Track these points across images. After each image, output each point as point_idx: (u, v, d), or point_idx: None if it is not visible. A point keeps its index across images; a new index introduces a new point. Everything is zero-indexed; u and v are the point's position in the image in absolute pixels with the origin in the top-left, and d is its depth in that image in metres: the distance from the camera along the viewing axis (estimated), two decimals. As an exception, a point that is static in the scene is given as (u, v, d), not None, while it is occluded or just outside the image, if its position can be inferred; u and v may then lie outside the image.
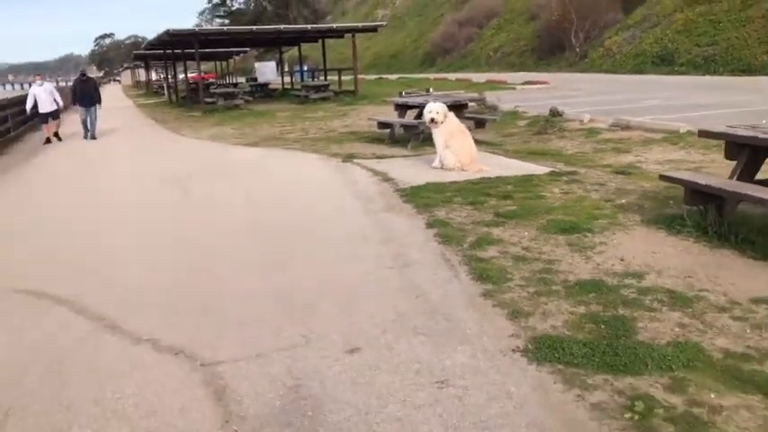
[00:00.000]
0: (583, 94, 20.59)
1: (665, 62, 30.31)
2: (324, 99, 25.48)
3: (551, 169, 8.08)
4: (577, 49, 37.43)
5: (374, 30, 26.57)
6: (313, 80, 33.35)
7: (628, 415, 2.66)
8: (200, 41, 23.94)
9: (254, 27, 27.41)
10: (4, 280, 5.10)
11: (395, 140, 11.92)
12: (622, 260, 4.62)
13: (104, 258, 5.59)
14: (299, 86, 30.80)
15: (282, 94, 31.78)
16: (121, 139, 16.78)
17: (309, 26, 29.09)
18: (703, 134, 5.39)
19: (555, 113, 13.38)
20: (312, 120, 18.27)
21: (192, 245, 5.84)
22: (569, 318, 3.67)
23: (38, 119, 17.68)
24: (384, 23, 31.65)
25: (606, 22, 37.83)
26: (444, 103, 9.64)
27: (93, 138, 16.75)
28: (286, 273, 4.84)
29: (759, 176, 5.19)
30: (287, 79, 38.50)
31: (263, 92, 33.51)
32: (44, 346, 3.80)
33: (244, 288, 4.57)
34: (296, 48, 36.20)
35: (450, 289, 4.25)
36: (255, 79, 37.90)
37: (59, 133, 17.10)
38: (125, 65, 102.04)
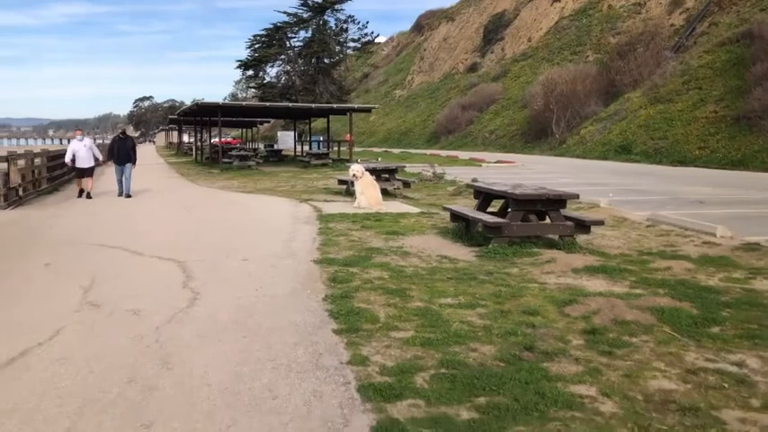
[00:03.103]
0: (529, 172, 25.11)
1: (624, 151, 34.83)
2: (323, 165, 30.37)
3: (423, 211, 12.49)
4: (557, 136, 42.27)
5: (368, 111, 31.62)
6: (319, 148, 38.39)
7: (332, 273, 6.99)
8: (224, 112, 29.08)
9: (268, 103, 32.75)
10: (88, 241, 9.61)
11: (348, 192, 16.39)
12: (403, 243, 8.96)
13: (138, 234, 10.09)
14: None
15: (292, 160, 36.84)
16: (151, 183, 21.52)
17: (313, 105, 34.24)
18: (470, 186, 9.80)
19: (475, 181, 17.84)
20: (304, 179, 22.95)
21: (187, 229, 10.35)
22: (347, 254, 8.04)
23: (75, 172, 18.08)
24: (377, 106, 37.07)
25: (587, 114, 42.76)
26: (377, 168, 14.18)
27: (128, 196, 16.71)
28: (231, 240, 9.31)
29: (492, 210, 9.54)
30: (301, 147, 43.85)
31: (276, 157, 38.65)
32: (102, 261, 8.25)
33: (208, 245, 9.01)
34: (321, 119, 41.64)
35: (305, 247, 8.67)
36: (272, 146, 43.17)
37: (91, 193, 16.99)
38: (161, 127, 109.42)
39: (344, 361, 4.33)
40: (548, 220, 8.70)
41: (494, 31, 69.02)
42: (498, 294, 6.08)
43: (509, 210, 8.90)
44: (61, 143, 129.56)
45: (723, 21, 42.10)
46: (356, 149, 39.03)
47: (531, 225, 8.49)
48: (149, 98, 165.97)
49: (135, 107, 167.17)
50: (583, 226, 8.42)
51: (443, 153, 41.56)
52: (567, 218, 8.54)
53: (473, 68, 68.57)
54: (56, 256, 8.59)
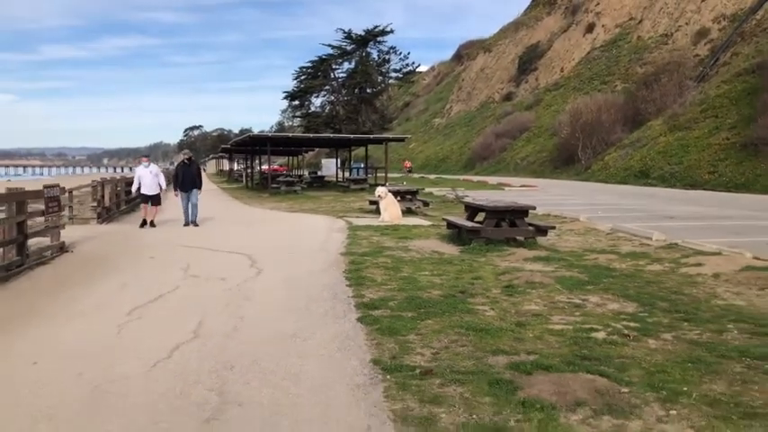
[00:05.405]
0: (545, 195, 27.84)
1: (643, 176, 37.17)
2: (361, 189, 33.66)
3: (434, 224, 15.49)
4: (583, 162, 44.74)
5: (402, 140, 34.81)
6: (358, 174, 41.81)
7: (352, 260, 10.06)
8: (272, 142, 32.70)
9: (311, 134, 36.30)
10: (175, 244, 12.93)
11: (377, 211, 19.49)
12: (408, 244, 11.96)
13: (211, 239, 13.38)
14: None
15: (334, 185, 40.29)
16: (211, 206, 25.01)
17: (352, 136, 37.65)
18: (462, 203, 12.76)
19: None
20: (343, 201, 26.21)
21: (247, 236, 13.62)
22: (365, 250, 11.11)
23: (140, 198, 17.69)
24: (410, 136, 40.13)
25: (613, 141, 45.13)
26: (400, 190, 17.31)
27: (196, 225, 16.45)
28: (281, 243, 12.50)
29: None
30: (343, 174, 47.39)
31: (320, 182, 42.19)
32: (190, 255, 11.51)
33: (264, 245, 12.21)
34: (362, 147, 45.23)
35: (335, 246, 11.77)
36: (316, 172, 46.83)
37: (155, 221, 16.75)
38: (211, 155, 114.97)
39: (350, 296, 7.39)
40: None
41: (528, 61, 71.93)
42: (460, 270, 9.05)
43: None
44: (114, 171, 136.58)
45: (743, 51, 44.13)
46: (393, 175, 42.40)
47: (502, 229, 11.43)
48: (199, 127, 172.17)
49: (185, 136, 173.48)
50: (540, 230, 11.33)
51: (475, 178, 44.49)
52: (530, 224, 11.45)
53: (508, 98, 71.49)
54: (155, 252, 11.87)
